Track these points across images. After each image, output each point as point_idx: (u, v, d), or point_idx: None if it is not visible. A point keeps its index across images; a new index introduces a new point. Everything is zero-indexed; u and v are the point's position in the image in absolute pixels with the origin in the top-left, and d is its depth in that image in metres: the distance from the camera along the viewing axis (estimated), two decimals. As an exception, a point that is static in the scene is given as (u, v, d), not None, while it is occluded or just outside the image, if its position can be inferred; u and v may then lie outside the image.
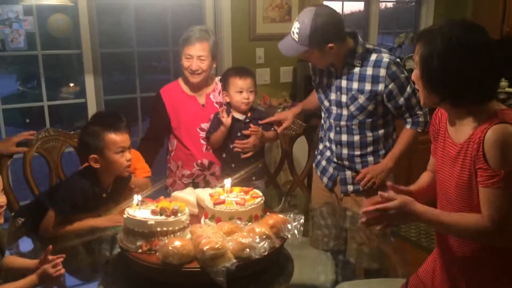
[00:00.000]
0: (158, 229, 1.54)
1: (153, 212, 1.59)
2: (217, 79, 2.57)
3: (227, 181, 1.81)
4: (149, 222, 1.54)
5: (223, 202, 1.70)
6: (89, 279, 1.72)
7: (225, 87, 2.43)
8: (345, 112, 2.14)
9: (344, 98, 2.13)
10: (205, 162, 2.48)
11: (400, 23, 4.84)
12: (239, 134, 2.40)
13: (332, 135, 2.21)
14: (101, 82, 3.25)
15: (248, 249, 1.46)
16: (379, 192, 1.39)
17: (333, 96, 2.18)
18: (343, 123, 2.16)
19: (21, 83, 7.33)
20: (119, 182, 2.02)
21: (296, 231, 1.58)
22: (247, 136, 2.39)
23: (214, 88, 2.53)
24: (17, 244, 1.92)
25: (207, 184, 2.47)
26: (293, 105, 3.38)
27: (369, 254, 1.96)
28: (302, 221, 1.63)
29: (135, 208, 1.62)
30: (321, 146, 2.32)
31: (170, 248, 1.45)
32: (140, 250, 1.53)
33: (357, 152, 2.17)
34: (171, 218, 1.57)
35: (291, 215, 1.65)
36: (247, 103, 2.39)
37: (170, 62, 3.65)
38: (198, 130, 2.47)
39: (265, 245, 1.48)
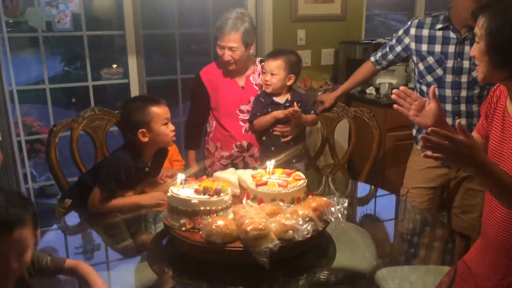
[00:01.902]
0: (201, 208, 1.55)
1: (197, 191, 1.60)
2: (258, 60, 2.54)
3: (270, 163, 1.80)
4: (193, 201, 1.55)
5: (265, 184, 1.69)
6: (132, 255, 1.75)
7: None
8: (464, 79, 2.13)
9: (466, 64, 2.11)
10: (244, 143, 2.47)
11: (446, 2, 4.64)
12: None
13: (448, 106, 2.18)
14: (143, 63, 3.29)
15: (291, 231, 1.45)
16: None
17: (449, 64, 2.15)
18: (463, 91, 2.14)
19: (66, 64, 7.53)
20: (159, 156, 2.06)
21: (339, 215, 1.56)
22: (287, 120, 2.36)
23: (254, 70, 2.51)
24: (64, 219, 1.98)
25: (246, 166, 2.48)
26: (334, 88, 3.32)
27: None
28: (346, 204, 1.60)
29: (179, 186, 1.64)
30: None
31: (213, 227, 1.46)
32: (183, 228, 1.55)
33: (476, 122, 2.14)
34: (214, 198, 1.57)
35: (335, 198, 1.63)
36: (267, 86, 2.36)
37: (210, 44, 3.64)
38: (238, 112, 2.47)
39: (308, 228, 1.47)
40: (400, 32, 2.36)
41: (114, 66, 5.81)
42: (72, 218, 2.01)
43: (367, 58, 3.41)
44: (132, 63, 3.25)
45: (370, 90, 3.42)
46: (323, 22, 3.62)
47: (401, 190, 2.43)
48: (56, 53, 7.75)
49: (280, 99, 2.39)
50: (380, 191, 2.37)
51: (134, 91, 3.29)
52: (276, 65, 2.33)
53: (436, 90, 1.49)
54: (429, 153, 1.22)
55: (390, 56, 2.44)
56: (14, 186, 2.74)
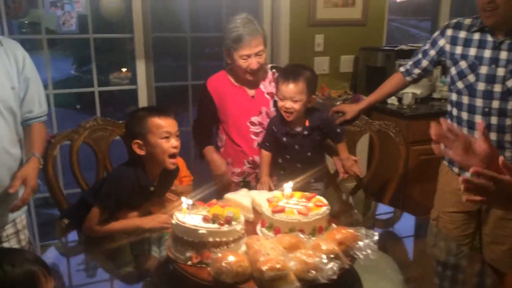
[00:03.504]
0: (210, 239, 1.36)
1: (205, 219, 1.41)
2: (268, 67, 2.35)
3: (288, 185, 1.60)
4: (200, 231, 1.36)
5: (283, 211, 1.50)
6: (135, 282, 1.57)
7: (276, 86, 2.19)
8: (497, 88, 1.91)
9: (501, 72, 1.90)
10: (257, 159, 2.27)
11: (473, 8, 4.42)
12: (297, 147, 2.13)
13: (478, 118, 1.97)
14: (153, 68, 3.13)
15: (313, 271, 1.25)
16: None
17: (483, 70, 1.93)
18: (495, 102, 1.93)
19: (77, 67, 7.44)
20: (167, 175, 1.88)
21: (369, 251, 1.35)
22: (305, 148, 2.12)
23: (266, 78, 2.31)
24: (62, 242, 1.84)
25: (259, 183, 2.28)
26: (355, 98, 3.12)
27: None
28: (376, 237, 1.40)
29: (185, 213, 1.45)
30: None
31: (223, 264, 1.26)
32: (189, 262, 1.36)
33: (508, 138, 1.94)
34: (225, 227, 1.38)
35: (363, 231, 1.42)
36: (287, 114, 2.06)
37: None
38: (248, 124, 2.27)
39: (334, 267, 1.26)
40: (435, 34, 2.15)
41: (124, 70, 5.68)
42: (74, 235, 1.85)
43: (389, 66, 3.23)
44: (141, 67, 3.09)
45: (392, 101, 3.21)
46: (343, 27, 3.43)
47: (431, 212, 2.21)
48: (68, 55, 7.66)
49: (298, 127, 2.12)
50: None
51: (142, 97, 3.13)
52: (298, 90, 2.02)
53: (483, 124, 1.24)
54: (471, 197, 1.07)
55: (424, 63, 2.18)
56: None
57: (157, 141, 1.76)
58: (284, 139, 2.13)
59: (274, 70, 2.34)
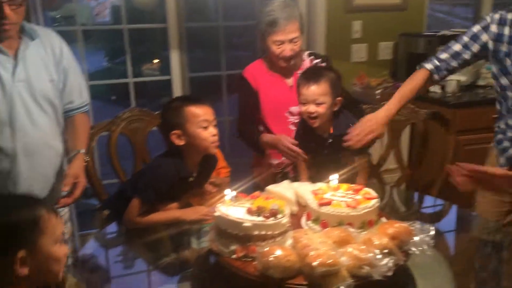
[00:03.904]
0: (256, 232, 1.30)
1: (249, 212, 1.35)
2: (306, 54, 2.26)
3: (334, 177, 1.53)
4: (245, 224, 1.31)
5: (329, 203, 1.42)
6: (174, 273, 1.54)
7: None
8: None
9: None
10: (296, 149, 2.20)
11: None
12: (326, 152, 1.97)
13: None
14: (186, 58, 3.09)
15: (367, 267, 1.18)
16: None
17: None
18: None
19: (109, 59, 7.51)
20: (206, 164, 1.84)
21: (425, 246, 1.27)
22: (335, 154, 1.94)
23: (303, 66, 2.22)
24: (101, 234, 1.84)
25: (297, 175, 2.21)
26: (395, 86, 3.00)
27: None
28: (432, 233, 1.31)
29: (228, 205, 1.40)
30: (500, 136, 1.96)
31: (271, 258, 1.20)
32: (234, 256, 1.31)
33: None
34: (270, 220, 1.32)
35: (417, 225, 1.34)
36: (312, 120, 1.89)
37: (254, 38, 3.38)
38: (287, 114, 2.19)
39: (389, 263, 1.19)
40: (476, 28, 1.92)
41: (155, 61, 5.69)
42: (113, 227, 1.84)
43: (431, 52, 3.06)
44: (175, 58, 3.06)
45: (434, 88, 3.07)
46: (382, 12, 3.30)
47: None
48: (100, 48, 7.74)
49: (324, 133, 1.94)
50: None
51: (176, 87, 3.10)
52: (321, 91, 1.85)
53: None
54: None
55: (465, 56, 1.92)
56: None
57: (195, 130, 1.72)
58: (313, 144, 1.99)
59: (312, 57, 2.25)
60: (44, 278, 1.10)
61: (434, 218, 1.96)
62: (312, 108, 1.86)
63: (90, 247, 1.73)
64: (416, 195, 2.19)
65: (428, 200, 2.08)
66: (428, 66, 1.97)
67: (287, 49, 2.08)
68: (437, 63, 1.96)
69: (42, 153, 1.72)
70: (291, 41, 2.07)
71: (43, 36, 1.76)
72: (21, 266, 1.04)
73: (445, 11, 8.37)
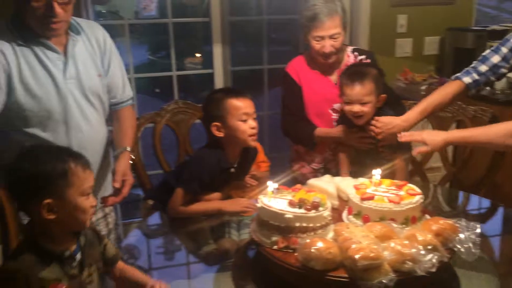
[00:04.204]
0: (297, 224, 1.32)
1: (291, 204, 1.36)
2: (349, 50, 2.23)
3: (376, 172, 1.51)
4: (287, 216, 1.32)
5: (372, 198, 1.42)
6: (214, 263, 1.56)
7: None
8: None
9: None
10: None
11: None
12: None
13: None
14: (229, 52, 3.12)
15: (410, 262, 1.17)
16: None
17: None
18: None
19: (151, 53, 7.68)
20: (246, 157, 1.87)
21: (471, 245, 1.24)
22: (375, 148, 1.95)
23: (346, 62, 2.19)
24: (145, 222, 1.87)
25: (339, 170, 2.19)
26: (441, 81, 2.92)
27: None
28: (478, 230, 1.28)
29: (270, 196, 1.41)
30: None
31: (312, 250, 1.21)
32: (275, 247, 1.33)
33: None
34: (312, 213, 1.33)
35: (463, 222, 1.31)
36: (358, 119, 1.90)
37: (296, 33, 3.36)
38: (330, 111, 2.17)
39: (433, 259, 1.17)
40: None
41: (198, 55, 5.76)
42: (156, 219, 1.88)
43: (480, 48, 2.97)
44: (217, 52, 3.09)
45: (483, 85, 2.97)
46: (428, 6, 3.22)
47: None
48: (143, 42, 7.93)
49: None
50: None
51: (219, 81, 3.14)
52: (366, 91, 1.84)
53: None
54: None
55: (503, 70, 1.83)
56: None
57: (235, 123, 1.74)
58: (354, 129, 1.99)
59: (356, 53, 2.22)
60: (72, 225, 1.18)
61: (479, 218, 1.90)
62: (357, 108, 1.86)
63: (134, 235, 1.77)
64: (461, 194, 2.13)
65: (474, 200, 2.02)
66: (466, 79, 1.87)
67: (327, 45, 2.05)
68: (476, 77, 1.87)
69: (92, 147, 1.76)
70: (331, 37, 2.04)
71: (87, 29, 1.77)
72: (48, 212, 1.12)
73: (493, 6, 8.05)
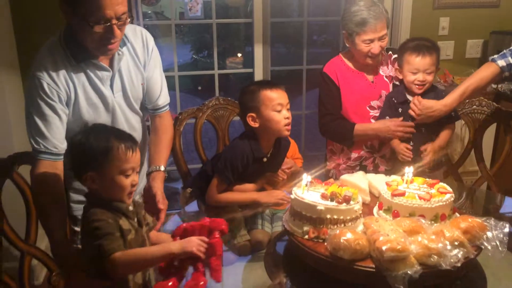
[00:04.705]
0: (328, 216, 1.38)
1: (323, 196, 1.43)
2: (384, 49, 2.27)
3: (409, 170, 1.55)
4: (318, 207, 1.39)
5: (403, 194, 1.46)
6: (247, 253, 1.64)
7: (399, 61, 2.13)
8: None
9: None
10: (375, 143, 2.22)
11: None
12: (410, 120, 2.09)
13: None
14: (269, 52, 3.20)
15: (436, 256, 1.21)
16: None
17: None
18: None
19: (195, 53, 7.89)
20: (279, 146, 1.92)
21: (498, 243, 1.26)
22: (420, 123, 2.07)
23: (383, 61, 2.25)
24: (184, 210, 1.96)
25: (375, 168, 2.23)
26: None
27: None
28: (506, 229, 1.30)
29: (304, 189, 1.48)
30: None
31: (341, 240, 1.27)
32: (306, 236, 1.40)
33: None
34: (343, 206, 1.39)
35: (491, 221, 1.33)
36: (420, 87, 2.08)
37: (337, 35, 3.41)
38: (368, 108, 2.22)
39: (459, 255, 1.21)
40: None
41: (239, 55, 5.90)
42: (194, 207, 1.97)
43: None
44: (258, 51, 3.18)
45: (526, 89, 2.92)
46: (472, 8, 3.18)
47: None
48: (187, 42, 8.16)
49: (410, 97, 2.11)
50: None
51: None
52: (432, 61, 2.06)
53: None
54: None
55: None
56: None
57: (270, 113, 1.79)
58: (401, 109, 2.11)
59: (390, 53, 2.26)
60: (111, 197, 1.30)
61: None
62: (422, 76, 2.06)
63: (173, 221, 1.84)
64: (498, 197, 2.12)
65: (509, 202, 2.01)
66: (500, 62, 2.01)
67: (376, 47, 2.12)
68: (511, 60, 1.98)
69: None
70: (380, 38, 2.11)
71: (132, 37, 1.74)
72: (91, 183, 1.29)
73: None
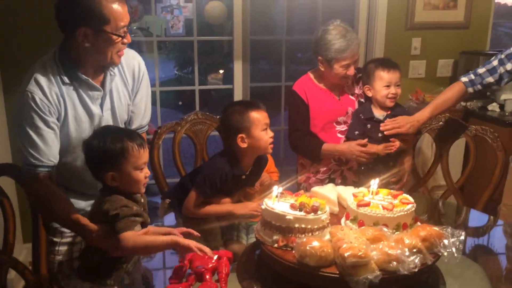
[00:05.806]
0: (296, 225, 1.45)
1: (292, 207, 1.50)
2: None
3: (374, 182, 1.64)
4: (287, 217, 1.45)
5: (367, 205, 1.54)
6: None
7: (368, 80, 2.27)
8: None
9: None
10: (343, 156, 2.32)
11: None
12: (380, 135, 2.21)
13: None
14: (249, 69, 3.29)
15: (395, 262, 1.28)
16: None
17: None
18: None
19: (178, 69, 7.97)
20: (258, 164, 2.00)
21: (454, 249, 1.35)
22: (387, 138, 2.20)
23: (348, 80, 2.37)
24: (162, 220, 2.01)
25: (344, 180, 2.32)
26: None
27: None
28: (462, 237, 1.39)
29: (274, 200, 1.55)
30: None
31: (307, 248, 1.34)
32: (276, 245, 1.46)
33: None
34: (311, 216, 1.46)
35: (449, 229, 1.42)
36: (393, 99, 2.26)
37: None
38: (334, 124, 2.34)
39: (416, 260, 1.29)
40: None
41: (221, 71, 6.01)
42: (172, 219, 2.02)
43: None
44: (238, 68, 3.27)
45: (493, 107, 3.06)
46: (442, 30, 3.33)
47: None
48: (171, 58, 8.24)
49: (381, 114, 2.26)
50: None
51: (238, 96, 3.31)
52: (399, 76, 2.28)
53: None
54: None
55: (499, 72, 2.08)
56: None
57: (259, 133, 1.89)
58: (368, 125, 2.24)
59: (355, 71, 2.37)
60: (130, 190, 1.53)
61: (479, 232, 1.99)
62: (394, 90, 2.25)
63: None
64: (463, 210, 2.22)
65: (474, 214, 2.11)
66: (464, 79, 2.16)
67: (351, 69, 2.25)
68: (472, 77, 2.13)
69: None
70: (354, 62, 2.24)
71: (124, 60, 1.74)
72: (111, 181, 1.49)
73: (509, 26, 8.00)
